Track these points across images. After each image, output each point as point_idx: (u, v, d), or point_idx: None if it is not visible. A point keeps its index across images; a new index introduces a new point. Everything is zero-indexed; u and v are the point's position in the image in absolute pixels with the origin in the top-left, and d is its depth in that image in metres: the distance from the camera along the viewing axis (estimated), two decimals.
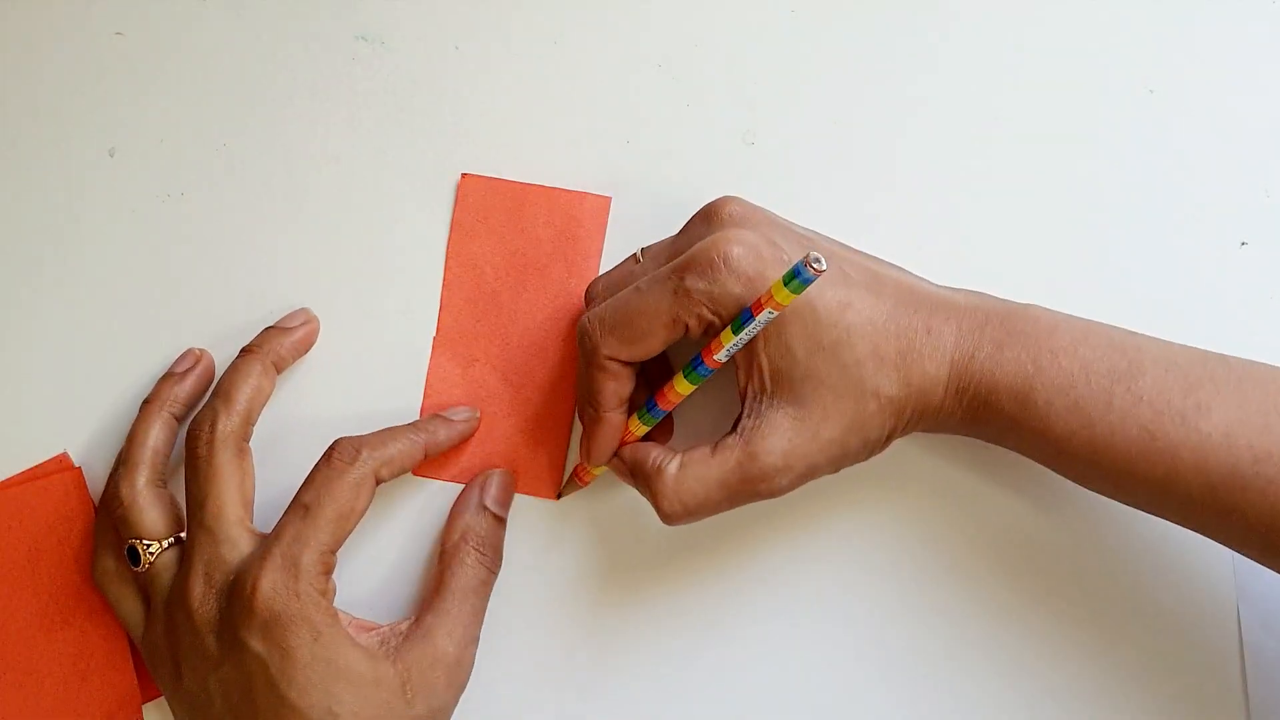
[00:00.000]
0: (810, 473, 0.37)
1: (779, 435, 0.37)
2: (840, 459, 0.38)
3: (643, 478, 0.38)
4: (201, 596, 0.38)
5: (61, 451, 0.44)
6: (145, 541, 0.40)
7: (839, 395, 0.36)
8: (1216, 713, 0.41)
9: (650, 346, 0.37)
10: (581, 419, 0.40)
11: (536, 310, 0.44)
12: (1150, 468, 0.35)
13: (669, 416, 0.41)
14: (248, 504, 0.40)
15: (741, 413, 0.38)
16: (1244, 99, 0.44)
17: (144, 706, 0.43)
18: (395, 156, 0.45)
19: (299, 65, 0.46)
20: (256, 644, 0.36)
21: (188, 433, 0.40)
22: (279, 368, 0.43)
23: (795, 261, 0.33)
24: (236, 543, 0.39)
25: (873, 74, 0.45)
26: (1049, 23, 0.45)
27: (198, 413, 0.41)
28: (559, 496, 0.43)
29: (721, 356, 0.37)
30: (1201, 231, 0.43)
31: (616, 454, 0.40)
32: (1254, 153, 0.44)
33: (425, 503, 0.44)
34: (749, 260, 0.35)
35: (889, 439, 0.38)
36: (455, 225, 0.44)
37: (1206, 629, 0.41)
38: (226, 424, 0.40)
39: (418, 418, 0.43)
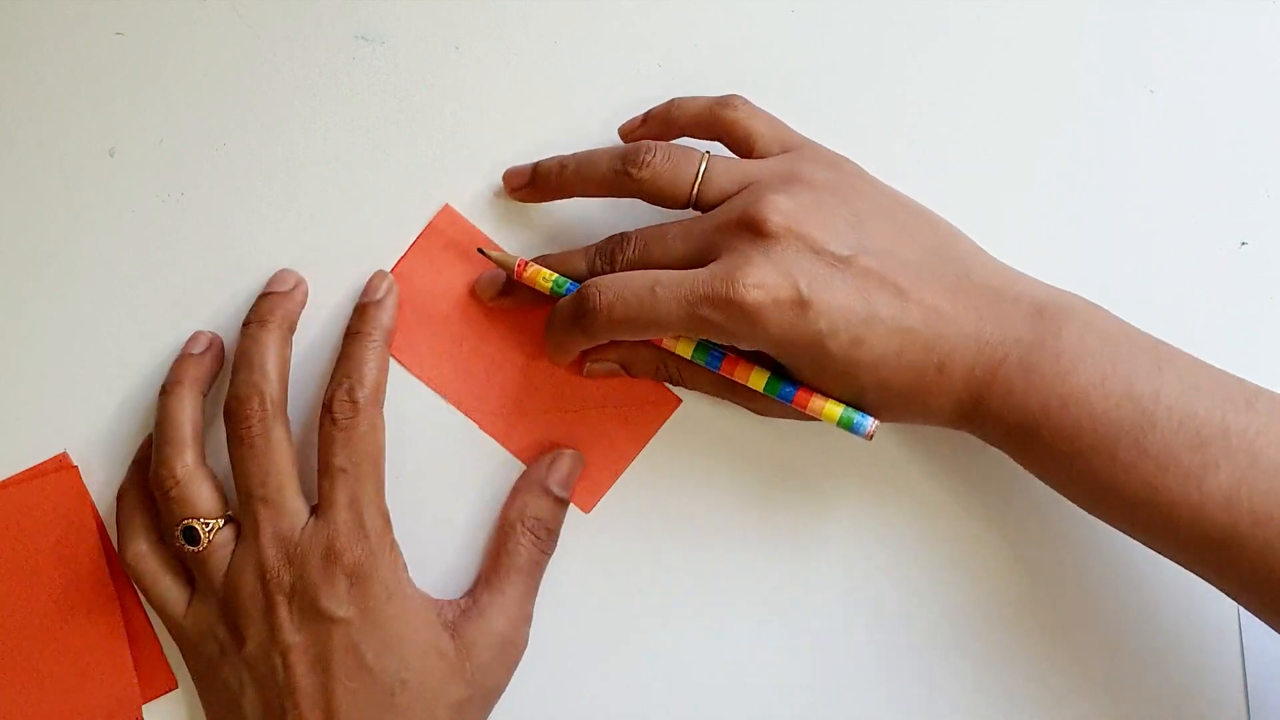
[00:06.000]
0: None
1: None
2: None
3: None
4: (275, 569, 0.38)
5: (60, 451, 0.44)
6: (204, 520, 0.39)
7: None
8: (1216, 713, 0.41)
9: (641, 340, 0.39)
10: (547, 330, 0.41)
11: None
12: (1148, 518, 0.35)
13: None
14: (298, 474, 0.40)
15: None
16: (1244, 99, 0.44)
17: (144, 707, 0.43)
18: (395, 157, 0.45)
19: (299, 65, 0.45)
20: (340, 609, 0.37)
21: (232, 409, 0.40)
22: (292, 332, 0.43)
23: (860, 416, 0.37)
24: (299, 514, 0.39)
25: (872, 74, 0.45)
26: (1049, 23, 0.45)
27: (237, 389, 0.40)
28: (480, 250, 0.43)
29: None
30: (1201, 231, 0.43)
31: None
32: (1254, 153, 0.44)
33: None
34: (767, 308, 0.36)
35: None
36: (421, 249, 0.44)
37: (1206, 629, 0.41)
38: (272, 396, 0.40)
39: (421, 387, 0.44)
